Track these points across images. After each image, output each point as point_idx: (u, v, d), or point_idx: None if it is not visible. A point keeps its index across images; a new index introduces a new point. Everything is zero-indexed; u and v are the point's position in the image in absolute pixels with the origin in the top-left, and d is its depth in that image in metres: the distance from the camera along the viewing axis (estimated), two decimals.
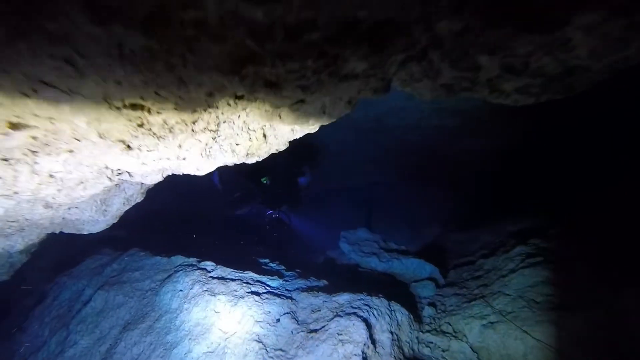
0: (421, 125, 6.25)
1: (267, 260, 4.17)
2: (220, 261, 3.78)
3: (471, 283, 3.80)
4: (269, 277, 3.51)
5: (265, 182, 5.22)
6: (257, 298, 3.11)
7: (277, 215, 5.66)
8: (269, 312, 3.00)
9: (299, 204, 5.80)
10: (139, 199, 2.97)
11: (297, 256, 5.49)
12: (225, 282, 3.31)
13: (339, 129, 6.59)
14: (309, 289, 3.32)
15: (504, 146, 6.42)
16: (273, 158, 5.59)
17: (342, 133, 6.67)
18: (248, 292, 3.17)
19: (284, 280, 3.51)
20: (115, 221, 2.99)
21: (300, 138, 2.21)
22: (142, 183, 2.75)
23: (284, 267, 3.94)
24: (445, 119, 6.04)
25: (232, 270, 3.53)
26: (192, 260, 3.80)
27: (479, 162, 6.89)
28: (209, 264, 3.63)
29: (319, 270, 4.28)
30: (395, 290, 3.72)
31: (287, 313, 3.00)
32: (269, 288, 3.32)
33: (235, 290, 3.20)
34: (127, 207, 2.92)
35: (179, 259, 3.84)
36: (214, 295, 3.16)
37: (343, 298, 3.10)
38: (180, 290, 3.36)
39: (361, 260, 4.30)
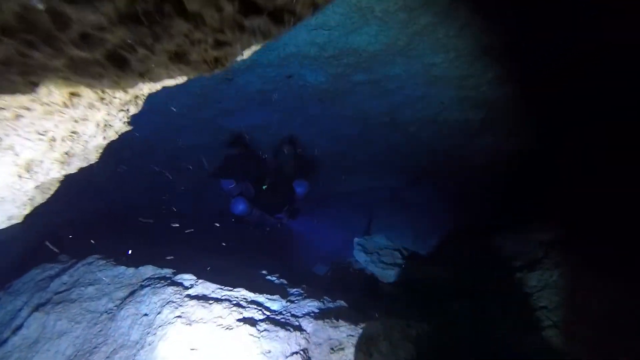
0: (438, 120, 5.32)
1: (265, 272, 3.14)
2: (205, 273, 2.76)
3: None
4: (268, 296, 2.50)
5: (264, 188, 5.00)
6: (251, 329, 2.09)
7: (281, 217, 5.15)
8: (269, 351, 1.98)
9: (296, 213, 5.33)
10: None
11: (300, 265, 4.47)
12: (207, 304, 2.29)
13: (346, 124, 5.64)
14: (323, 315, 2.30)
15: (531, 146, 5.52)
16: (274, 167, 4.76)
17: (349, 129, 5.71)
18: (239, 320, 2.15)
19: (288, 300, 2.49)
20: None
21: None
22: None
23: (286, 282, 2.92)
24: (468, 111, 5.12)
25: (219, 286, 2.51)
26: (166, 272, 2.77)
27: (500, 165, 5.98)
28: (187, 278, 2.61)
29: (330, 285, 3.27)
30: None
31: (296, 353, 1.98)
32: (268, 313, 2.30)
33: (221, 317, 2.18)
34: None
35: (149, 270, 2.81)
36: (190, 325, 2.13)
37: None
38: (145, 315, 2.33)
39: (382, 273, 3.30)
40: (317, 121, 5.53)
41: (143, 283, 2.65)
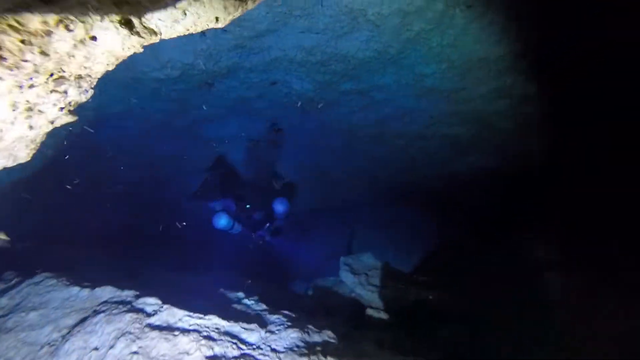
0: (427, 135, 5.09)
1: (241, 295, 2.75)
2: (172, 296, 2.36)
3: None
4: (245, 325, 2.12)
5: (248, 207, 5.03)
6: None
7: (262, 235, 5.18)
8: None
9: (278, 231, 5.44)
10: None
11: (280, 283, 4.09)
12: (172, 336, 1.89)
13: (331, 135, 5.35)
14: (309, 351, 1.94)
15: (519, 166, 5.35)
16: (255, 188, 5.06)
17: (333, 140, 5.42)
18: (209, 358, 1.77)
19: (268, 330, 2.12)
20: None
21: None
22: None
23: (265, 307, 2.54)
24: (457, 126, 4.91)
25: (187, 313, 2.11)
26: (127, 294, 2.35)
27: (486, 184, 5.78)
28: (150, 302, 2.20)
29: (313, 308, 2.90)
30: None
31: None
32: (244, 347, 1.92)
33: (187, 353, 1.78)
34: None
35: (106, 292, 2.38)
36: None
37: None
38: (95, 349, 1.91)
39: (371, 297, 2.96)
40: (300, 131, 5.22)
41: (97, 308, 2.23)
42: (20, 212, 4.19)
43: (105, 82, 3.97)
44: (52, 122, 1.15)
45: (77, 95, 1.18)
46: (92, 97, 3.92)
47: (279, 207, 4.95)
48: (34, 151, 1.28)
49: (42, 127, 1.12)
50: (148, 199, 6.71)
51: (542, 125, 4.64)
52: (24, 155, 1.24)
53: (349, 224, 8.55)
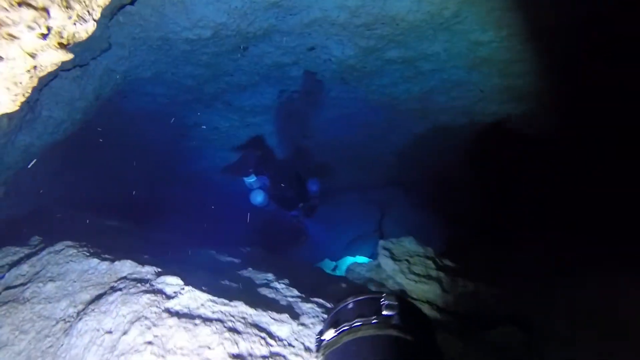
0: (475, 111, 4.58)
1: (270, 277, 2.48)
2: (195, 275, 2.12)
3: None
4: (273, 314, 1.84)
5: (282, 186, 5.04)
6: None
7: (296, 215, 5.26)
8: None
9: (313, 210, 5.41)
10: None
11: (309, 267, 3.81)
12: (192, 325, 1.64)
13: (370, 110, 4.93)
14: None
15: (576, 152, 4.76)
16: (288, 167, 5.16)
17: (373, 116, 5.00)
18: (233, 357, 1.49)
19: (300, 323, 1.83)
20: None
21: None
22: None
23: (297, 294, 2.25)
24: (508, 103, 4.37)
25: (210, 297, 1.85)
26: (147, 271, 2.12)
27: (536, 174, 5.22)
28: (171, 282, 1.96)
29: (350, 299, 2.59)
30: None
31: None
32: (273, 343, 1.64)
33: (209, 347, 1.52)
34: None
35: (126, 267, 2.15)
36: (163, 358, 1.48)
37: None
38: (108, 333, 1.68)
39: (414, 287, 2.62)
40: (338, 104, 4.83)
41: (115, 284, 2.01)
42: (52, 176, 4.07)
43: (135, 44, 3.71)
44: (32, 56, 0.84)
45: (68, 21, 0.86)
46: (121, 60, 3.61)
47: (313, 186, 5.12)
48: (20, 97, 0.99)
49: (19, 60, 0.82)
50: (176, 171, 6.57)
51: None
52: (5, 100, 0.95)
53: (381, 204, 8.18)
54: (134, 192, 5.18)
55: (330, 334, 0.80)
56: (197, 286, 1.93)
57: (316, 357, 0.83)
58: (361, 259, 6.66)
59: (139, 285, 1.95)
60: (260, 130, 5.47)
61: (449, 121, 4.77)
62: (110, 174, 5.73)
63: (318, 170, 5.59)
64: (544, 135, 4.67)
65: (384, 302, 0.80)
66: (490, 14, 3.30)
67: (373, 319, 0.77)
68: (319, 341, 0.84)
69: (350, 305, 0.85)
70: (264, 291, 2.25)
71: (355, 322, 0.77)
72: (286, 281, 2.42)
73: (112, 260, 2.24)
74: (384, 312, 0.78)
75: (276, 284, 2.39)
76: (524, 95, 4.23)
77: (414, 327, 0.77)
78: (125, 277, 2.08)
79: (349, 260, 6.86)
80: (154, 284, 1.96)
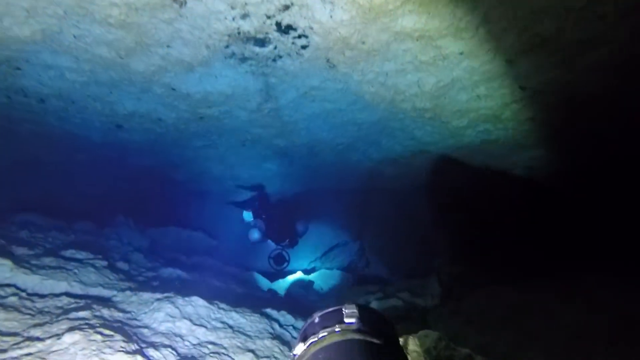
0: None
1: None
2: None
3: None
4: None
5: (275, 225, 5.81)
6: None
7: (281, 249, 6.08)
8: None
9: (295, 244, 6.18)
10: None
11: None
12: None
13: (365, 105, 3.52)
14: None
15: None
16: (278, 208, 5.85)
17: (368, 112, 3.59)
18: None
19: None
20: None
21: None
22: None
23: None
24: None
25: None
26: None
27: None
28: None
29: None
30: None
31: None
32: None
33: None
34: None
35: None
36: None
37: None
38: None
39: None
40: (320, 97, 3.39)
41: None
42: None
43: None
44: None
45: None
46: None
47: (301, 227, 5.93)
48: None
49: None
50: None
51: None
52: None
53: (361, 212, 6.95)
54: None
55: (300, 348, 0.82)
56: None
57: None
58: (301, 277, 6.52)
59: None
60: (218, 124, 3.98)
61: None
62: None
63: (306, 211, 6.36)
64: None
65: (344, 311, 0.83)
66: None
67: (336, 328, 0.80)
68: (292, 356, 0.84)
69: (317, 320, 0.86)
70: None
71: (321, 333, 0.79)
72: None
73: None
74: (346, 320, 0.81)
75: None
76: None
77: (375, 330, 0.80)
78: None
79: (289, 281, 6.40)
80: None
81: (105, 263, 3.19)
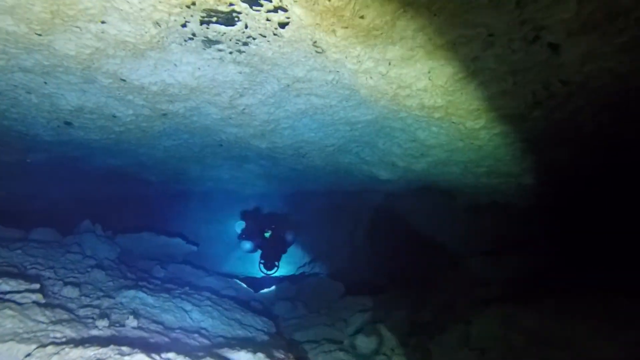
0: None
1: None
2: None
3: None
4: None
5: (267, 235, 5.88)
6: None
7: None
8: None
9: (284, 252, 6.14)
10: None
11: None
12: None
13: (361, 100, 2.84)
14: None
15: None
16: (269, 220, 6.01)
17: (364, 108, 2.91)
18: None
19: None
20: None
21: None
22: None
23: None
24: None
25: None
26: None
27: None
28: None
29: None
30: None
31: None
32: None
33: None
34: None
35: None
36: None
37: None
38: None
39: None
40: (307, 89, 2.69)
41: None
42: None
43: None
44: None
45: None
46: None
47: (289, 236, 5.94)
48: None
49: None
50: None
51: None
52: None
53: (353, 214, 6.33)
54: None
55: None
56: None
57: None
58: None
59: None
60: (187, 122, 3.26)
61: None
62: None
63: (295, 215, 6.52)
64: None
65: None
66: None
67: None
68: None
69: None
70: None
71: None
72: None
73: None
74: None
75: None
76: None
77: None
78: None
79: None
80: None
81: (36, 297, 2.48)
